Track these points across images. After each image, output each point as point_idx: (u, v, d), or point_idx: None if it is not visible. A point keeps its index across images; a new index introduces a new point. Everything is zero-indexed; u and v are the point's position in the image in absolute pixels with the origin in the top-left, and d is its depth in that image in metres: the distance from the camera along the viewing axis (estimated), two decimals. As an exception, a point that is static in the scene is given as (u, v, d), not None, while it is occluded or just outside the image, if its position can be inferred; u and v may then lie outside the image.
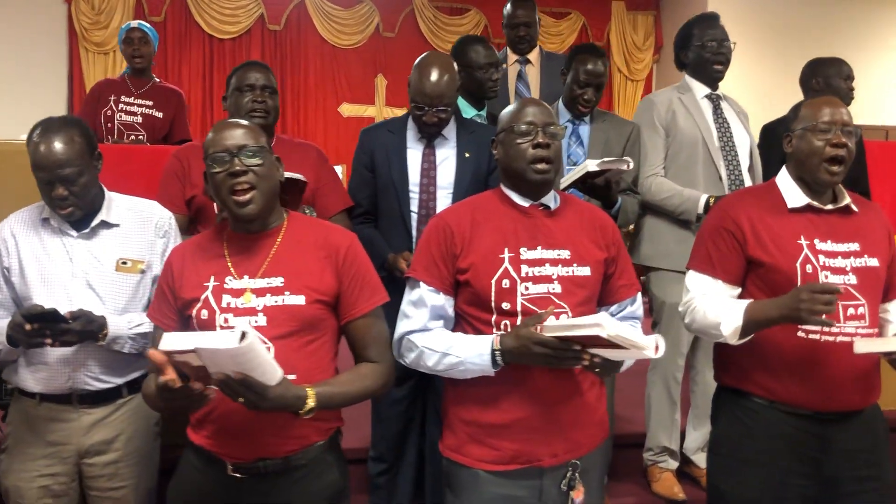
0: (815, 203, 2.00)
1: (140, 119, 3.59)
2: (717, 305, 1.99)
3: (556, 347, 1.66)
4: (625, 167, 2.50)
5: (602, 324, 1.59)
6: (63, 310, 1.91)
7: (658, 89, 8.68)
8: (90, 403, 2.09)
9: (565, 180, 2.56)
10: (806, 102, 2.06)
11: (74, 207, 2.03)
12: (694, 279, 2.07)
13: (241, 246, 1.79)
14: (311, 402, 1.64)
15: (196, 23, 7.53)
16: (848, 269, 1.96)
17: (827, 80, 3.11)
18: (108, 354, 2.05)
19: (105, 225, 2.11)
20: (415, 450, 2.66)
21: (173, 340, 1.50)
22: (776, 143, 3.10)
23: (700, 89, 2.98)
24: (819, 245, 1.97)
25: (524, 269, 1.82)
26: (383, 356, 1.85)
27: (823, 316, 1.79)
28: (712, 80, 2.97)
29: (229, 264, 1.78)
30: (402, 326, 1.89)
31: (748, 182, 2.91)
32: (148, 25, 3.84)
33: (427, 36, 8.03)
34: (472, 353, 1.77)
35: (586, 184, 2.55)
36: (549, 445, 1.83)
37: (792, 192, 2.03)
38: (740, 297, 2.03)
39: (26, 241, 2.08)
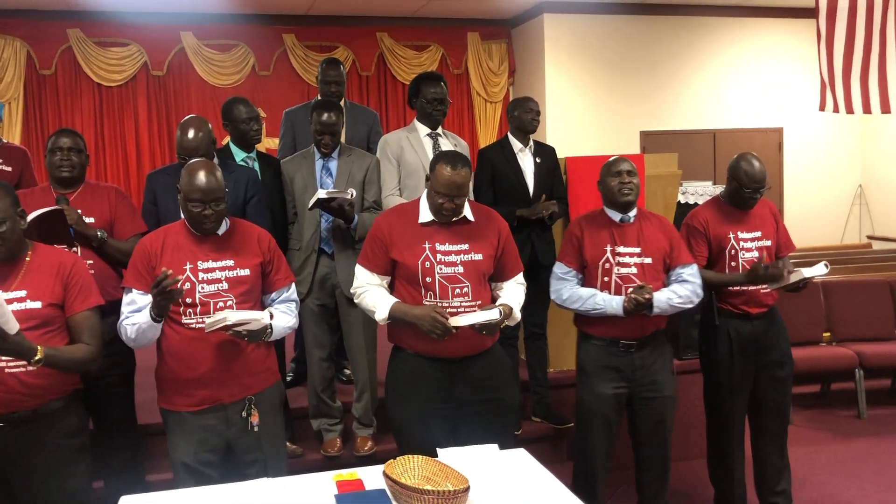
0: (437, 219, 2.83)
1: (-7, 175, 4.35)
2: (374, 296, 2.87)
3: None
4: (348, 196, 3.39)
5: (227, 316, 2.52)
6: None
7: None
8: None
9: (310, 203, 3.45)
10: (433, 168, 2.83)
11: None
12: (359, 270, 2.94)
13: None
14: (39, 355, 2.34)
15: (85, 73, 8.22)
16: (458, 262, 2.81)
17: (520, 113, 4.05)
18: None
19: None
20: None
21: None
22: (482, 164, 4.10)
23: (423, 129, 3.89)
24: (439, 247, 2.81)
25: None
26: (92, 341, 2.54)
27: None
28: (434, 123, 3.90)
29: None
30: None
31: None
32: None
33: (300, 72, 8.78)
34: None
35: (325, 207, 3.45)
36: (227, 388, 2.69)
37: (424, 212, 2.87)
38: (391, 283, 2.92)
39: None
